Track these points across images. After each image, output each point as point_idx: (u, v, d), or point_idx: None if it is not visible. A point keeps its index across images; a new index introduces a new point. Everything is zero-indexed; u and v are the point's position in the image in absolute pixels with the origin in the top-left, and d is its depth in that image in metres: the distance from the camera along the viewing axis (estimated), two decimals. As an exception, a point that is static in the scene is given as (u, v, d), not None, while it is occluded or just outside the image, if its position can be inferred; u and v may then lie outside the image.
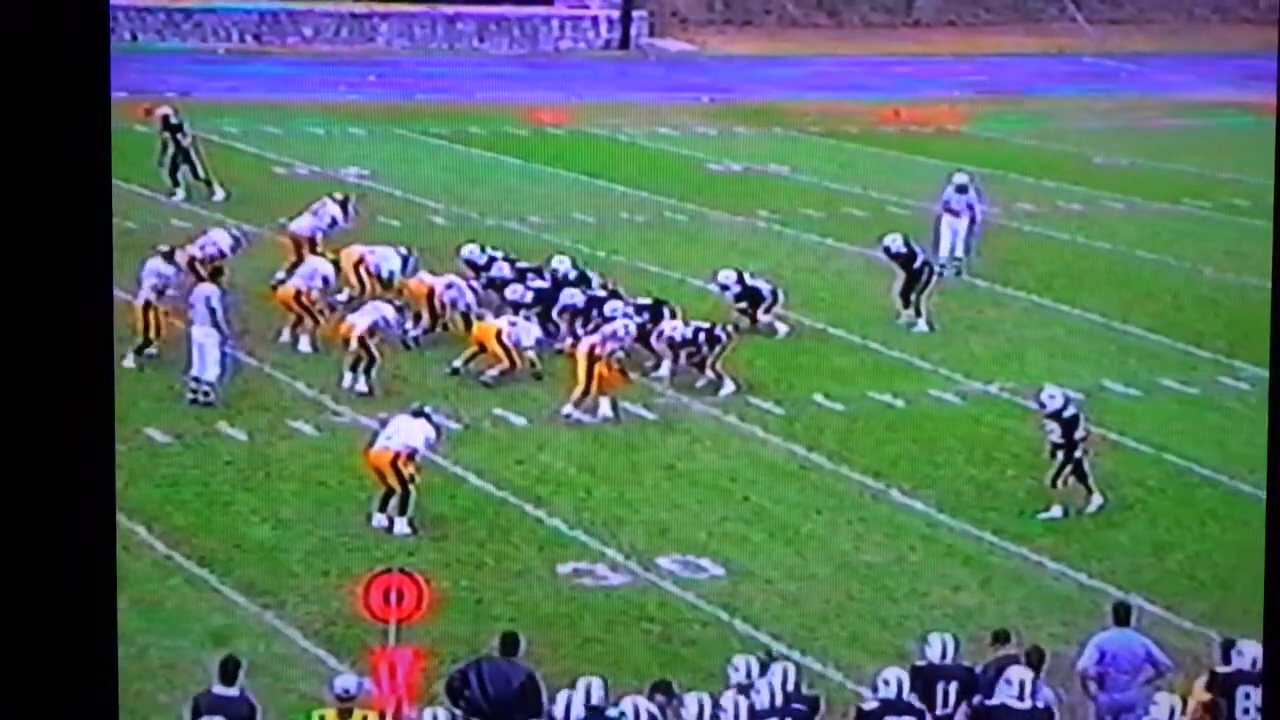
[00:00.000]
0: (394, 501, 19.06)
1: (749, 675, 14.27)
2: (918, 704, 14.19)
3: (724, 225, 30.43)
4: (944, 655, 14.63)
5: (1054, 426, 20.18)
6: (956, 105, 42.34)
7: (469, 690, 14.16)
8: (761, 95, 45.08)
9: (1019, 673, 14.24)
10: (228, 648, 15.79)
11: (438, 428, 19.84)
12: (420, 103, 42.18)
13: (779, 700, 13.98)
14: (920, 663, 14.65)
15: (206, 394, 22.32)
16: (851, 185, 33.19)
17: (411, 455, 19.19)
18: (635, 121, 41.04)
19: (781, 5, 59.17)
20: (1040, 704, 14.12)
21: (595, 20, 54.79)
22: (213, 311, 22.76)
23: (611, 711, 13.61)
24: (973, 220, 29.11)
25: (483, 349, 23.53)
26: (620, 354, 22.67)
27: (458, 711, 13.98)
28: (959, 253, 28.86)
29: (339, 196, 27.36)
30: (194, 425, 21.55)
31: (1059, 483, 20.08)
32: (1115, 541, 19.63)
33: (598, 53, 53.36)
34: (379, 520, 19.00)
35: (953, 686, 14.44)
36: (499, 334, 23.46)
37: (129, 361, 22.43)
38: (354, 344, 22.82)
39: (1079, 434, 20.20)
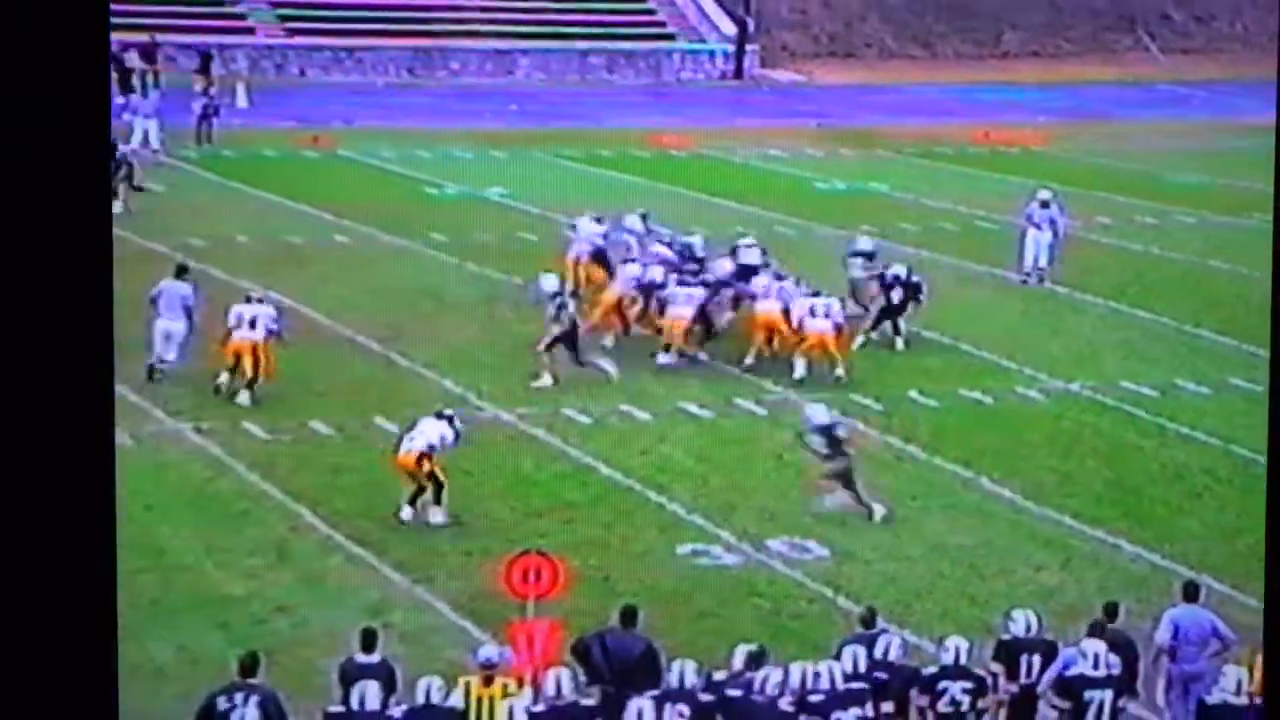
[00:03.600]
0: (426, 496, 18.94)
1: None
2: (976, 672, 14.11)
3: (829, 239, 30.29)
4: (1027, 630, 14.51)
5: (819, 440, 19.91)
6: (1040, 128, 42.11)
7: (594, 657, 14.13)
8: (863, 120, 44.97)
9: (1092, 645, 14.10)
10: (383, 619, 15.88)
11: (457, 431, 19.50)
12: (555, 129, 42.30)
13: (864, 668, 13.94)
14: (1005, 637, 14.54)
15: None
16: (944, 201, 33.03)
17: (430, 453, 19.01)
18: (748, 144, 41.02)
19: (881, 39, 58.94)
20: (1114, 672, 13.97)
21: (712, 54, 54.77)
22: (186, 308, 23.04)
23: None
24: (1055, 233, 29.00)
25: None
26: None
27: (584, 676, 13.94)
28: (1042, 263, 28.78)
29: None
30: (352, 420, 21.63)
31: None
32: (1186, 527, 19.45)
33: (715, 83, 53.37)
34: (406, 513, 18.89)
35: (1035, 658, 14.33)
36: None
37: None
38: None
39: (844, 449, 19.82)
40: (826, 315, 23.70)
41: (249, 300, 22.88)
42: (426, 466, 18.93)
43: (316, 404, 22.15)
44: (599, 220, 27.43)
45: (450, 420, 19.48)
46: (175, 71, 44.57)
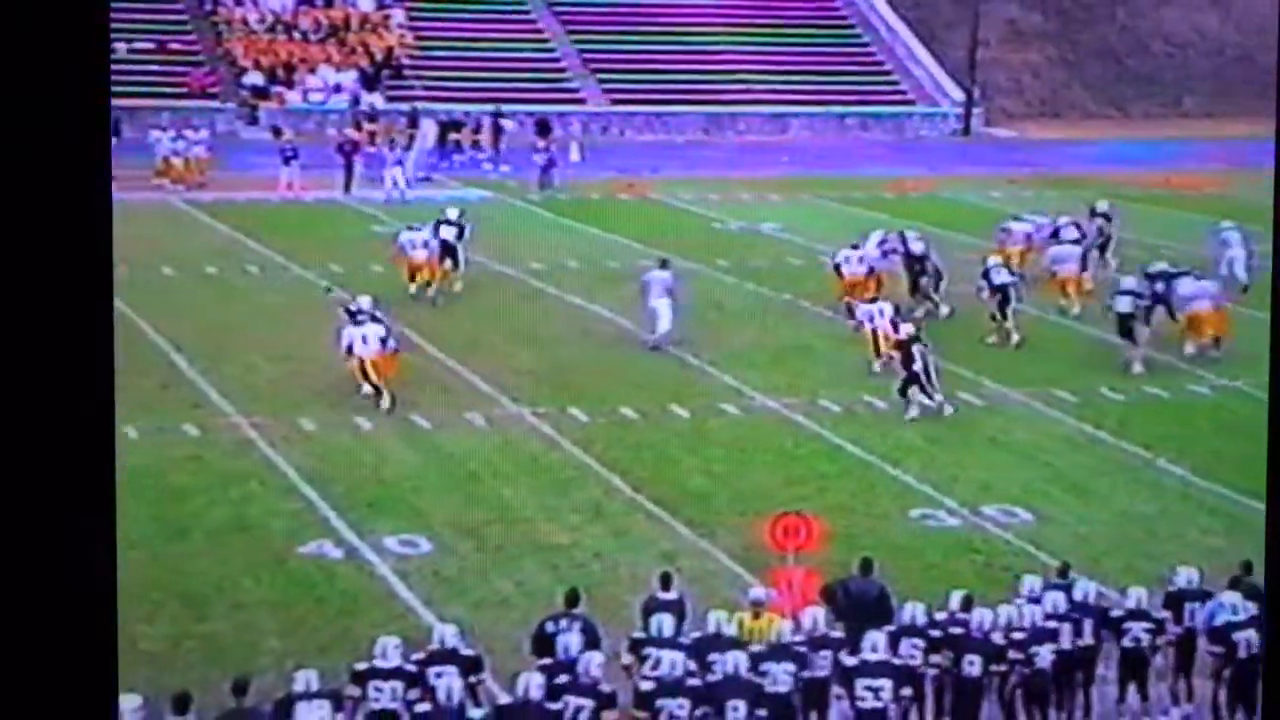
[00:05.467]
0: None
1: (1034, 590, 14.00)
2: (1157, 614, 13.75)
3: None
4: (1189, 583, 14.12)
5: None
6: (1214, 175, 40.90)
7: (839, 599, 14.03)
8: (1066, 168, 44.10)
9: (1230, 596, 13.70)
10: (674, 564, 15.91)
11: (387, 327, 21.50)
12: (818, 176, 42.08)
13: (1063, 608, 13.66)
14: (1172, 589, 14.17)
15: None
16: (1130, 234, 32.22)
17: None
18: (974, 188, 40.42)
19: (1083, 102, 57.86)
20: (1252, 614, 13.51)
21: (944, 115, 54.16)
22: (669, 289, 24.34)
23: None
24: (1248, 251, 28.34)
25: None
26: None
27: (832, 614, 13.84)
28: (1240, 275, 28.11)
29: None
30: (654, 407, 21.70)
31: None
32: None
33: (946, 138, 52.72)
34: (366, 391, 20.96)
35: (1196, 606, 13.94)
36: None
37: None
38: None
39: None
40: None
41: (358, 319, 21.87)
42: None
43: (626, 394, 22.26)
44: (854, 247, 27.25)
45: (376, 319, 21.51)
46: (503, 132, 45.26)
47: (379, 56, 50.53)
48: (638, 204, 37.60)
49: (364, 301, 22.47)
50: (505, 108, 46.62)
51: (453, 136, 45.23)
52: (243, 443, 19.88)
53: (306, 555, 16.49)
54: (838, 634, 13.39)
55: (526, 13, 53.85)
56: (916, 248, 27.09)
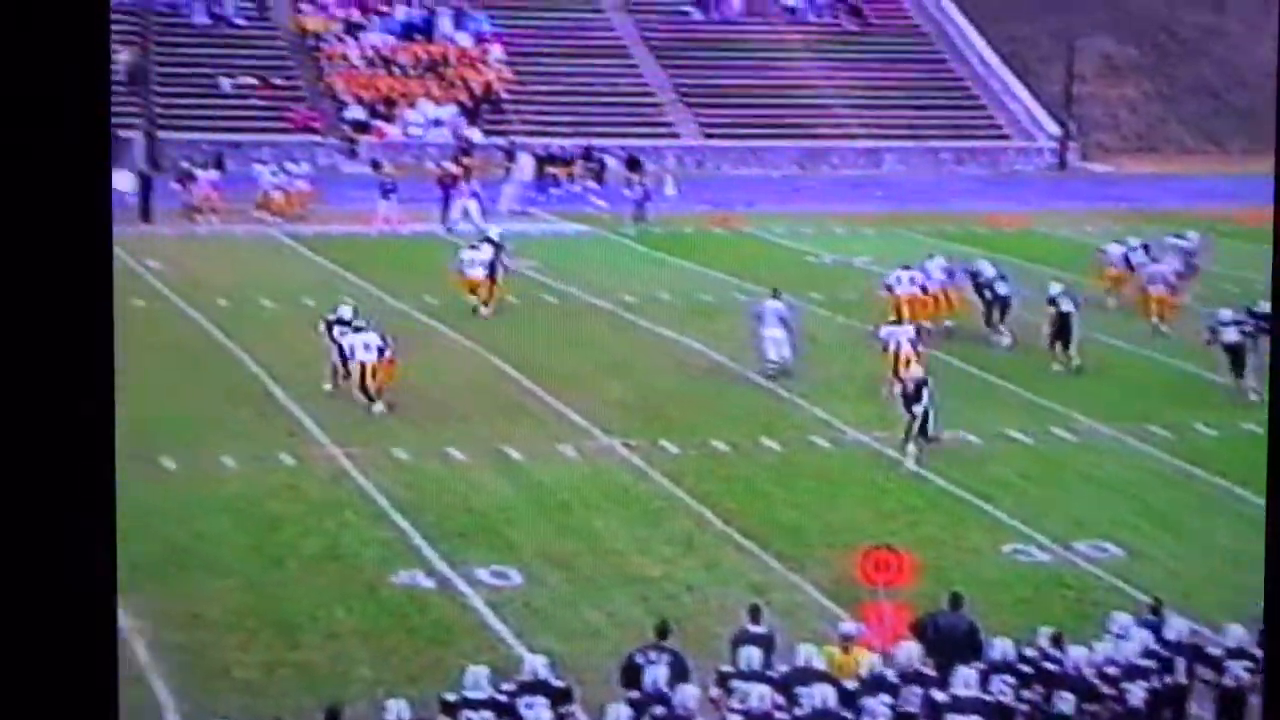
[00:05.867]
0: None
1: (1125, 627, 13.81)
2: (1254, 652, 13.49)
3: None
4: (1287, 621, 13.86)
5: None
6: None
7: (928, 634, 13.89)
8: (1162, 204, 43.65)
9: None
10: (764, 597, 15.83)
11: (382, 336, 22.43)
12: (911, 211, 41.91)
13: (1155, 646, 13.46)
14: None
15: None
16: (1226, 267, 31.87)
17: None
18: (1069, 224, 40.11)
19: (1179, 137, 57.29)
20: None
21: (1040, 150, 53.82)
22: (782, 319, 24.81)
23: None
24: None
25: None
26: None
27: (921, 648, 13.70)
28: None
29: None
30: (745, 440, 21.64)
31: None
32: None
33: (1042, 172, 52.37)
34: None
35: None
36: None
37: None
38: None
39: None
40: None
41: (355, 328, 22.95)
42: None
43: (717, 426, 22.21)
44: (905, 267, 28.19)
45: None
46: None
47: (478, 91, 50.88)
48: (731, 237, 37.61)
49: (345, 311, 23.47)
50: (600, 142, 46.80)
51: (549, 170, 45.45)
52: (337, 472, 20.02)
53: (399, 585, 16.56)
54: (928, 670, 13.25)
55: (623, 48, 54.08)
56: (987, 275, 27.71)
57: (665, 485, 19.93)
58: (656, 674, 12.79)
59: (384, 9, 52.77)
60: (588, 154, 46.40)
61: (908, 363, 22.71)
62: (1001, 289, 27.34)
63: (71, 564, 6.03)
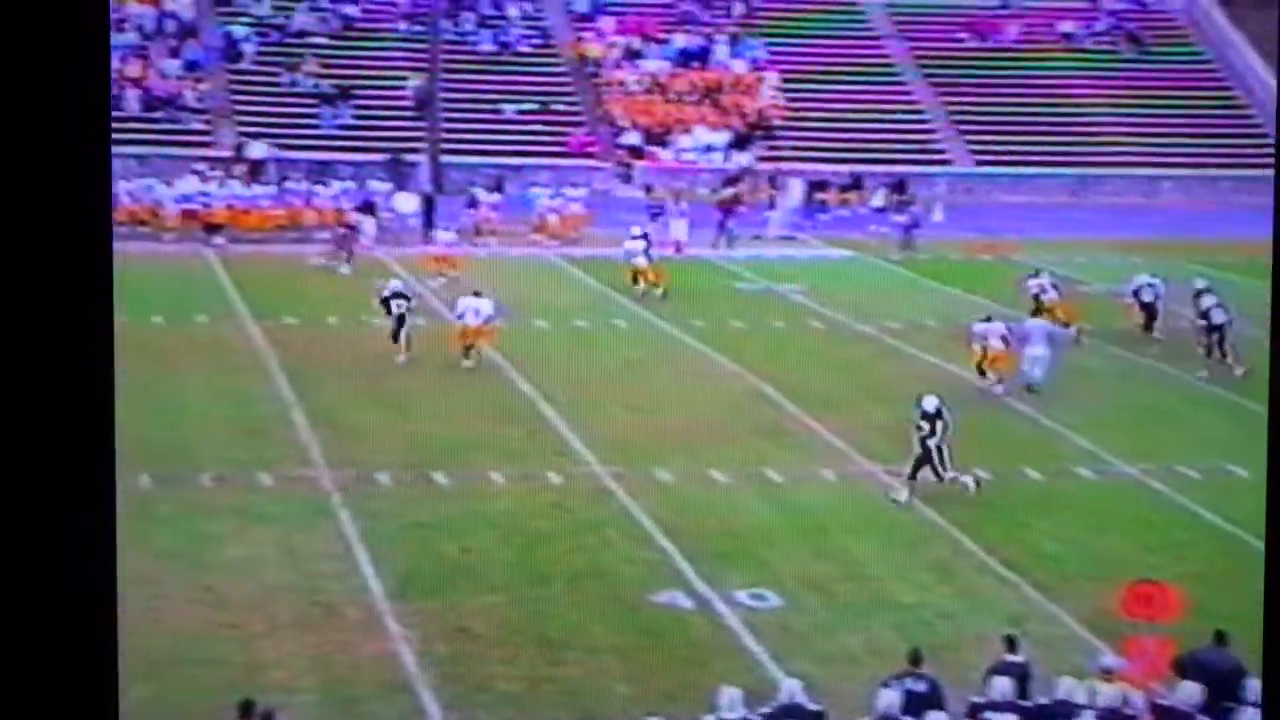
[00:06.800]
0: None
1: None
2: None
3: None
4: None
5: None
6: None
7: (1190, 671, 13.47)
8: None
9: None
10: (1021, 627, 15.55)
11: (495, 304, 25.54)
12: (1187, 238, 40.82)
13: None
14: None
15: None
16: None
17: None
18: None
19: None
20: None
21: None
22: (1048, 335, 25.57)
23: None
24: None
25: None
26: None
27: (1202, 688, 13.24)
28: None
29: None
30: (1004, 468, 21.29)
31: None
32: None
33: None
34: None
35: None
36: None
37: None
38: None
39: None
40: None
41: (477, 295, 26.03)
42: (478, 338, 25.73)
43: (979, 454, 21.78)
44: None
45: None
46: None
47: (751, 117, 51.07)
48: (999, 265, 37.02)
49: (397, 284, 26.74)
50: (869, 168, 46.61)
51: (818, 196, 45.39)
52: (602, 491, 20.24)
53: (659, 604, 16.68)
54: (1197, 706, 12.89)
55: (897, 75, 53.73)
56: (1146, 295, 29.34)
57: (925, 511, 19.72)
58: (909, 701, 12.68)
59: (662, 36, 53.30)
60: (857, 180, 46.24)
61: (995, 359, 24.31)
62: (1218, 317, 26.89)
63: (71, 564, 6.02)
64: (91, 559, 6.14)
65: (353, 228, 35.89)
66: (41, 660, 6.15)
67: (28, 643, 6.14)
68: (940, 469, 20.01)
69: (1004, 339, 25.14)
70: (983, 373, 25.09)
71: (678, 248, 37.50)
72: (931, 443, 20.01)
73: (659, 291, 31.34)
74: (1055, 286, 29.72)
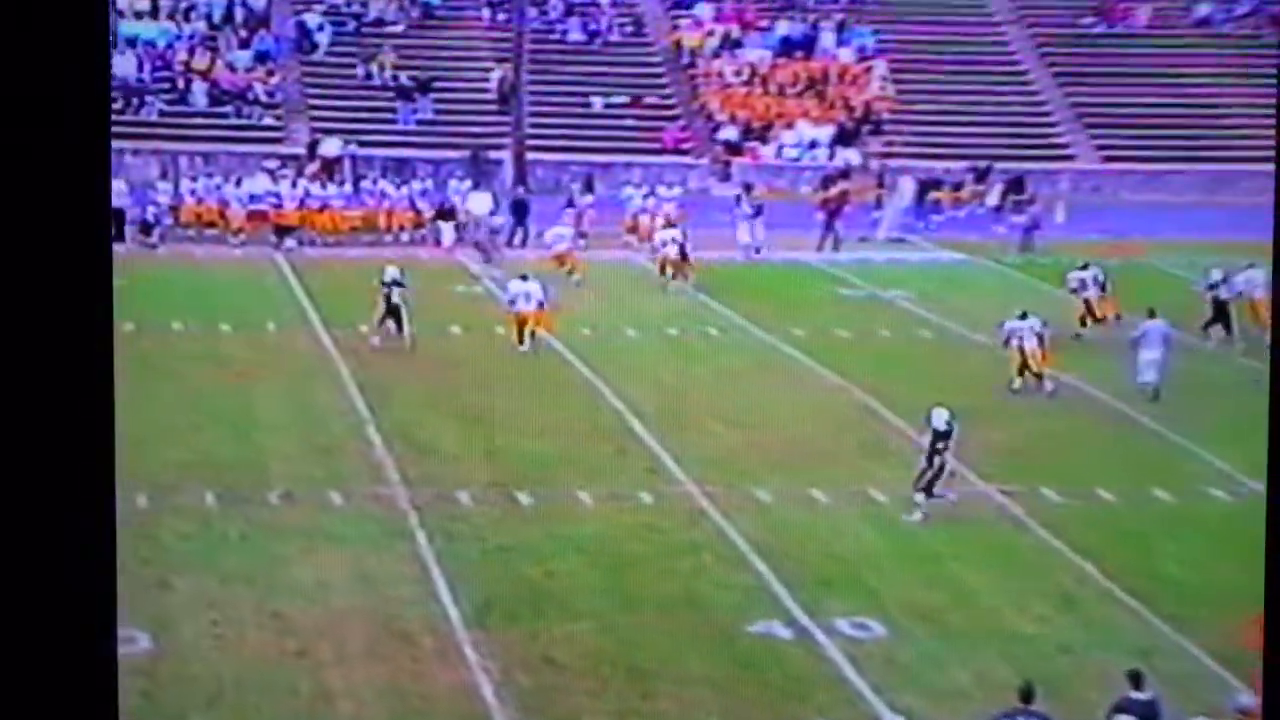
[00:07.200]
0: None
1: None
2: None
3: None
4: None
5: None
6: None
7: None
8: None
9: None
10: (1148, 661, 15.40)
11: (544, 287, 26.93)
12: None
13: None
14: None
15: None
16: None
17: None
18: None
19: None
20: None
21: None
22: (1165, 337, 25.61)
23: None
24: None
25: None
26: None
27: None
28: None
29: None
30: (1129, 484, 21.13)
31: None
32: None
33: None
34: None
35: None
36: None
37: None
38: None
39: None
40: None
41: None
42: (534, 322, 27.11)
43: (1103, 473, 21.67)
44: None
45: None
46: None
47: (858, 110, 50.93)
48: (1124, 267, 36.66)
49: (393, 271, 27.69)
50: (987, 165, 46.39)
51: (932, 195, 45.18)
52: (696, 512, 20.25)
53: (755, 634, 16.67)
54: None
55: (1015, 63, 53.42)
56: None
57: (1044, 536, 19.62)
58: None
59: (764, 24, 53.27)
60: (976, 177, 45.99)
61: (1034, 357, 24.96)
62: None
63: (72, 564, 6.20)
64: (91, 560, 6.32)
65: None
66: (42, 663, 6.34)
67: (28, 644, 6.32)
68: (936, 485, 20.22)
69: (1039, 336, 25.45)
70: (1021, 373, 25.41)
71: (754, 250, 37.40)
72: (940, 459, 20.24)
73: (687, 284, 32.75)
74: (1099, 282, 30.43)
